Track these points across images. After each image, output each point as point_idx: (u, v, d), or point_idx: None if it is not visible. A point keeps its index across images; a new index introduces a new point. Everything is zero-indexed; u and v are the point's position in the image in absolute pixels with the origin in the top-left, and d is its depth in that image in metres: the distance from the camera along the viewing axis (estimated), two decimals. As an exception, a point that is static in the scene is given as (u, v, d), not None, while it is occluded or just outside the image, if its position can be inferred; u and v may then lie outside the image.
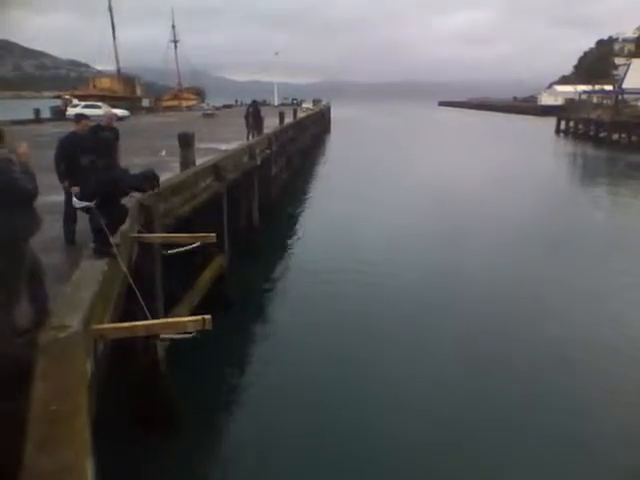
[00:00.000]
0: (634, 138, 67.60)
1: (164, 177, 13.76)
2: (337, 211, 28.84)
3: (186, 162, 14.02)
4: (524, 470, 9.13)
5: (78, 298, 5.56)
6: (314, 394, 11.21)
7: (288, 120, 40.66)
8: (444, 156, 54.79)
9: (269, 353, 13.21)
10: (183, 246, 9.56)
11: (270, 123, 34.39)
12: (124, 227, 7.99)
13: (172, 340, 10.17)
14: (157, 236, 9.40)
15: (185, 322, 6.63)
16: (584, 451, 9.50)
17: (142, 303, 9.17)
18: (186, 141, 14.22)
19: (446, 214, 28.38)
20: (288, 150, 34.81)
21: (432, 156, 54.86)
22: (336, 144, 70.69)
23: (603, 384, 11.86)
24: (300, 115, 52.73)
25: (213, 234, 9.64)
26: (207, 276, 13.11)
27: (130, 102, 77.47)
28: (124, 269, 7.41)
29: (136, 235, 8.93)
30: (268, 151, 24.53)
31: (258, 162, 20.79)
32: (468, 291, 17.32)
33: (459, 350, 13.20)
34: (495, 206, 30.90)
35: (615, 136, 69.64)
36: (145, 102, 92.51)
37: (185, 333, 6.65)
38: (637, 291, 17.58)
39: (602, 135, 72.04)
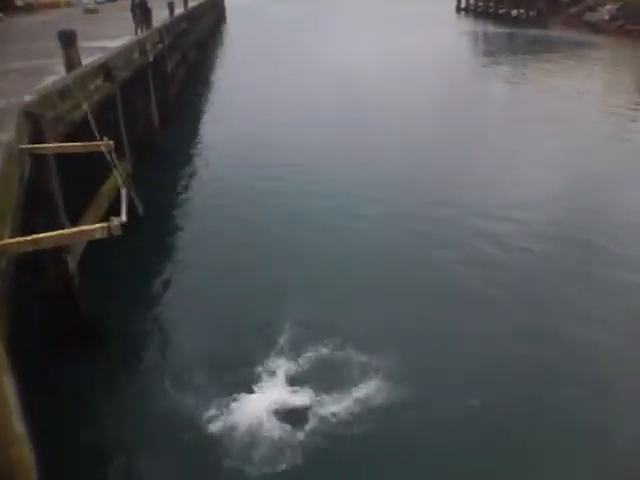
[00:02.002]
0: (532, 13, 68.59)
1: (48, 81, 12.81)
2: (240, 105, 28.08)
3: (71, 63, 12.98)
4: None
5: (-30, 216, 5.25)
6: (229, 295, 11.36)
7: (179, 11, 38.10)
8: (350, 40, 53.59)
9: (182, 258, 13.21)
10: (79, 155, 9.09)
11: (159, 15, 32.16)
12: (10, 138, 7.45)
13: (83, 252, 10.07)
14: (49, 146, 8.85)
15: (93, 230, 6.40)
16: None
17: (44, 217, 8.88)
18: (68, 40, 13.07)
19: (354, 97, 28.25)
20: (182, 44, 32.95)
21: (337, 41, 53.58)
22: (233, 34, 67.61)
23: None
24: (192, 4, 49.49)
25: (110, 141, 9.17)
26: (111, 184, 12.59)
27: (0, 3, 69.90)
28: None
29: (26, 147, 8.36)
30: (160, 46, 23.12)
31: (150, 58, 19.59)
32: (371, 169, 17.89)
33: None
34: (402, 86, 31.06)
35: (514, 12, 70.44)
36: (19, 1, 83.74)
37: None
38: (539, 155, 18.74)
39: (502, 12, 72.63)
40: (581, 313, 10.58)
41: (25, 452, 2.89)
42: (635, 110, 25.81)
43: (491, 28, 64.75)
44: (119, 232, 6.17)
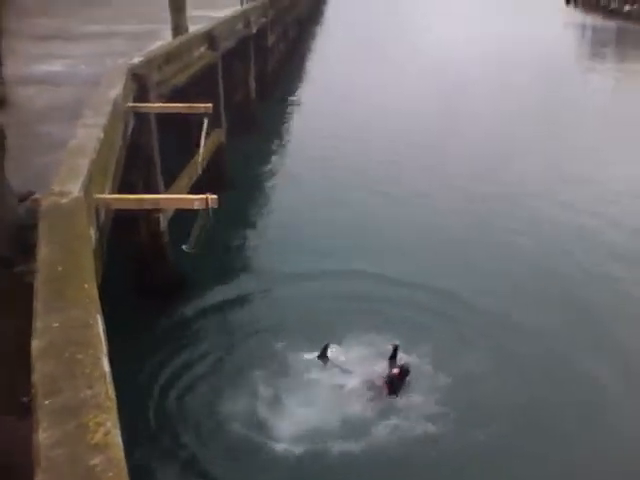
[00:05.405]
0: (646, 9, 64.41)
1: (155, 45, 13.20)
2: (338, 83, 27.88)
3: (178, 29, 13.35)
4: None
5: (77, 166, 5.49)
6: (315, 267, 11.41)
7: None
8: (450, 27, 52.01)
9: (268, 227, 13.39)
10: (179, 116, 9.38)
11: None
12: (117, 95, 7.74)
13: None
14: (153, 106, 9.16)
15: (192, 199, 6.72)
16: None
17: (141, 175, 9.22)
18: (177, 6, 13.44)
19: (450, 88, 27.45)
20: (284, 19, 33.14)
21: (436, 26, 52.16)
22: (335, 13, 67.24)
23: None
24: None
25: (210, 104, 9.41)
26: (206, 150, 12.86)
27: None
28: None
29: (131, 105, 8.68)
30: (264, 19, 23.34)
31: (254, 30, 19.85)
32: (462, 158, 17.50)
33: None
34: (501, 75, 29.98)
35: (627, 7, 66.32)
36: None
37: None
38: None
39: (613, 7, 68.58)
40: None
41: (109, 389, 3.01)
42: None
43: (600, 22, 61.29)
44: (215, 205, 6.41)
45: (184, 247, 7.03)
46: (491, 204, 14.34)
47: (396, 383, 8.06)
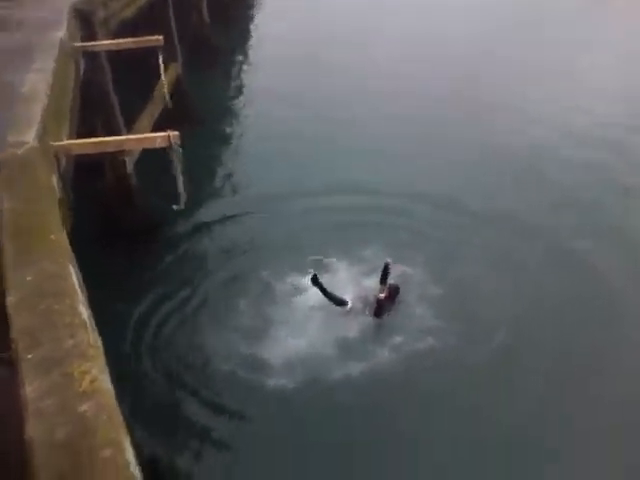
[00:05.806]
0: None
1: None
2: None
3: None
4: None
5: (30, 113, 5.27)
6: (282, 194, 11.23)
7: None
8: None
9: (235, 161, 13.11)
10: (133, 53, 9.00)
11: None
12: (63, 36, 7.36)
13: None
14: (101, 43, 8.74)
15: (154, 138, 6.56)
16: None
17: (100, 118, 8.93)
18: None
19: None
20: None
21: None
22: None
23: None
24: None
25: (160, 36, 9.03)
26: (163, 87, 12.41)
27: None
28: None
29: (79, 44, 8.27)
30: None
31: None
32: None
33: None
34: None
35: None
36: None
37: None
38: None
39: None
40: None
41: (91, 337, 2.99)
42: None
43: None
44: (178, 142, 6.24)
45: (174, 207, 6.87)
46: (475, 110, 14.31)
47: (385, 306, 8.03)
